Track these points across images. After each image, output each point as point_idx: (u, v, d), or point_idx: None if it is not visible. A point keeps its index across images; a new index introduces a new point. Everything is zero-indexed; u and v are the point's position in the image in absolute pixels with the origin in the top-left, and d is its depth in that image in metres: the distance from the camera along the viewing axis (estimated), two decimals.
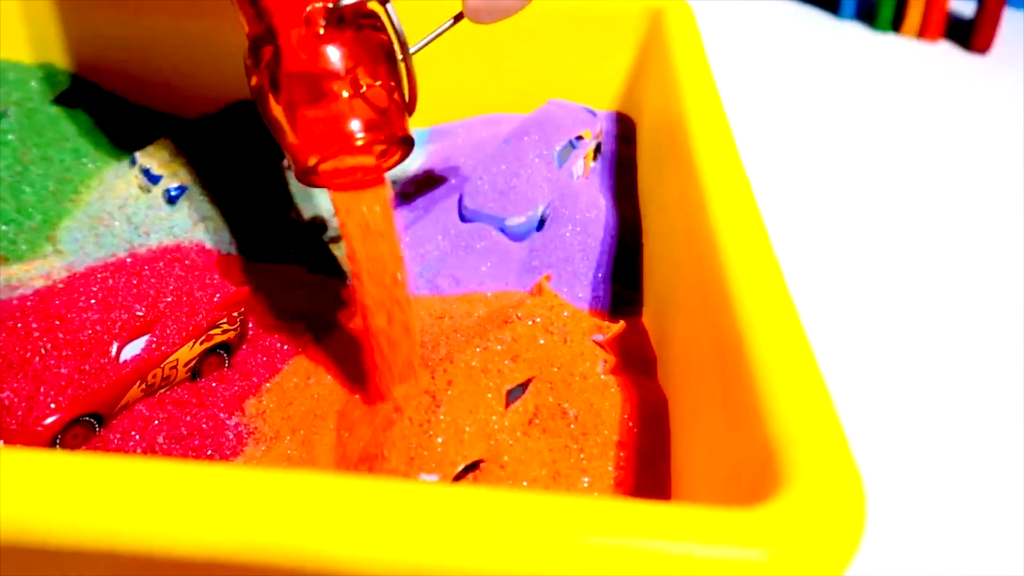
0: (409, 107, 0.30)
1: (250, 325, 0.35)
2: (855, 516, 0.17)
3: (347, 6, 0.27)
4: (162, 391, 0.32)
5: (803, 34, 0.78)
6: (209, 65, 0.50)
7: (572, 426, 0.29)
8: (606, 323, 0.34)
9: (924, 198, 0.54)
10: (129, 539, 0.18)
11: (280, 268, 0.39)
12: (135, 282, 0.31)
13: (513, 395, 0.30)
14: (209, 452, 0.29)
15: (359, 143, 0.27)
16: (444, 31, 0.31)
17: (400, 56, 0.29)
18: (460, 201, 0.42)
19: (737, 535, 0.17)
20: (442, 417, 0.28)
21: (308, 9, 0.27)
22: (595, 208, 0.41)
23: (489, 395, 0.29)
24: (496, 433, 0.28)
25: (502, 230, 0.41)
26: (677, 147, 0.34)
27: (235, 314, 0.33)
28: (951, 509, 0.34)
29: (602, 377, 0.31)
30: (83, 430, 0.29)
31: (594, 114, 0.47)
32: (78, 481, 0.18)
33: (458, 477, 0.27)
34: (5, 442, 0.27)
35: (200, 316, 0.32)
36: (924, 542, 0.32)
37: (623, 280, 0.39)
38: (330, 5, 0.27)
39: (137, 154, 0.42)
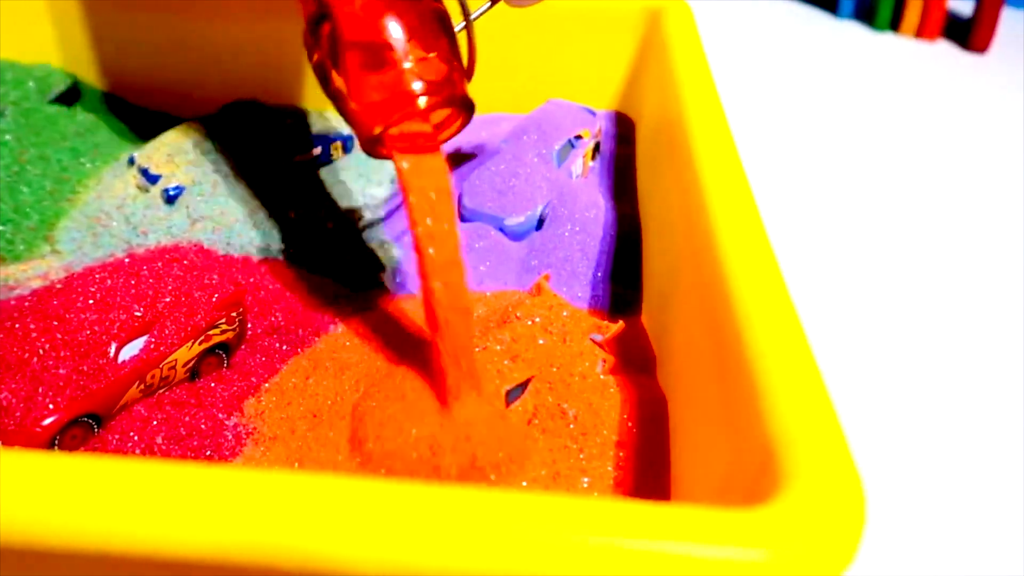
0: (468, 72, 0.30)
1: (249, 325, 0.35)
2: (855, 516, 0.17)
3: None
4: (161, 392, 0.32)
5: (802, 33, 0.78)
6: (207, 64, 0.50)
7: (571, 426, 0.29)
8: (605, 323, 0.34)
9: (923, 197, 0.54)
10: (128, 541, 0.18)
11: (280, 268, 0.39)
12: (133, 282, 0.31)
13: (512, 395, 0.30)
14: (208, 453, 0.29)
15: (421, 106, 0.28)
16: (483, 12, 0.32)
17: (462, 23, 0.30)
18: (459, 200, 0.42)
19: (737, 535, 0.17)
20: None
21: None
22: (594, 208, 0.41)
23: (488, 395, 0.29)
24: (496, 433, 0.28)
25: (501, 229, 0.41)
26: (676, 147, 0.34)
27: (234, 314, 0.33)
28: (951, 509, 0.34)
29: (601, 377, 0.31)
30: (82, 431, 0.29)
31: (593, 114, 0.47)
32: (77, 482, 0.18)
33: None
34: (3, 443, 0.27)
35: (199, 316, 0.32)
36: (924, 542, 0.32)
37: (622, 279, 0.39)
38: None
39: (135, 153, 0.42)
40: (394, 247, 0.41)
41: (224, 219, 0.39)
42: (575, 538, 0.17)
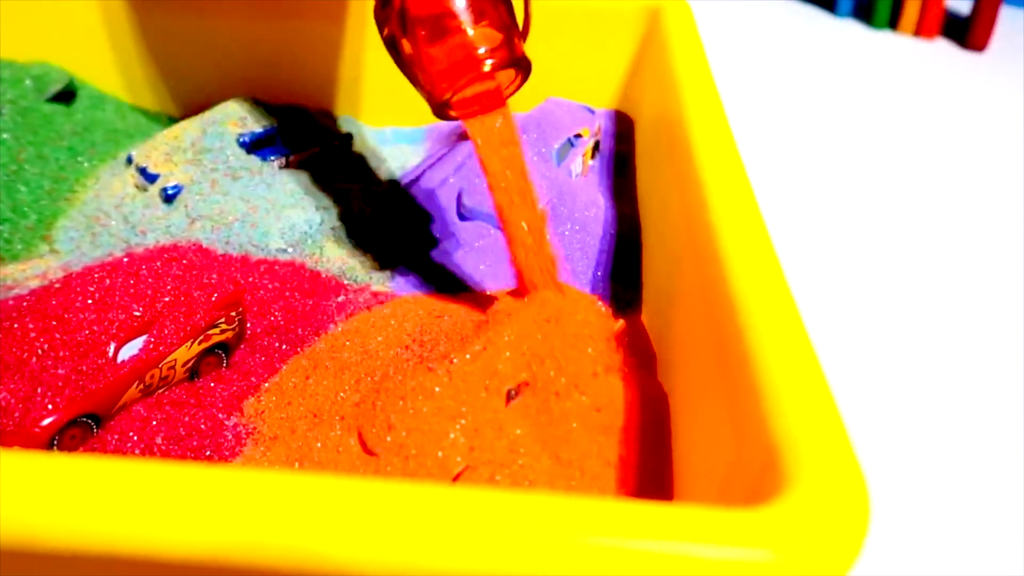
0: (524, 33, 0.33)
1: (248, 325, 0.35)
2: (859, 516, 0.17)
3: None
4: (160, 391, 0.31)
5: (800, 32, 0.78)
6: (206, 63, 0.50)
7: (575, 422, 0.29)
8: (605, 321, 0.34)
9: (921, 195, 0.54)
10: (128, 542, 0.17)
11: (280, 267, 0.38)
12: (132, 282, 0.31)
13: (512, 395, 0.30)
14: (208, 453, 0.29)
15: (487, 68, 0.30)
16: None
17: None
18: (458, 200, 0.42)
19: (741, 536, 0.17)
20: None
21: None
22: (594, 206, 0.41)
23: (488, 394, 0.29)
24: (496, 432, 0.28)
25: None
26: (676, 145, 0.34)
27: (233, 314, 0.33)
28: (954, 509, 0.34)
29: (601, 376, 0.31)
30: (81, 431, 0.29)
31: (592, 112, 0.47)
32: (76, 483, 0.18)
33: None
34: (3, 443, 0.27)
35: (198, 316, 0.32)
36: (927, 542, 0.32)
37: (622, 278, 0.39)
38: None
39: (133, 152, 0.42)
40: (394, 246, 0.41)
41: (223, 218, 0.39)
42: (578, 539, 0.17)
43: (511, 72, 0.32)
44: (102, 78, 0.50)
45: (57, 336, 0.29)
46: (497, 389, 0.29)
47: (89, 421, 0.29)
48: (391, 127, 0.51)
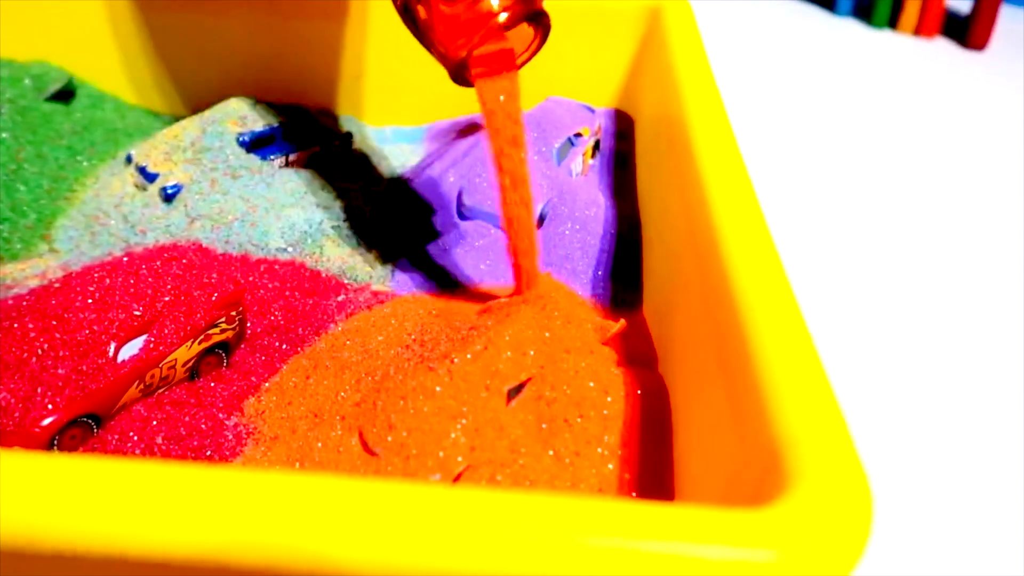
0: None
1: (248, 324, 0.35)
2: (862, 517, 0.17)
3: None
4: (160, 391, 0.31)
5: (799, 31, 0.78)
6: (205, 62, 0.50)
7: (577, 421, 0.29)
8: (607, 320, 0.34)
9: (921, 194, 0.54)
10: (128, 542, 0.17)
11: (280, 266, 0.38)
12: (132, 282, 0.31)
13: (513, 394, 0.30)
14: (208, 453, 0.29)
15: (501, 20, 0.30)
16: None
17: None
18: (459, 199, 0.42)
19: (744, 536, 0.17)
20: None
21: None
22: (594, 205, 0.41)
23: (489, 393, 0.29)
24: (497, 432, 0.28)
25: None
26: (676, 143, 0.34)
27: (233, 313, 0.33)
28: (956, 509, 0.34)
29: (603, 375, 0.31)
30: (81, 431, 0.29)
31: (592, 111, 0.47)
32: (76, 483, 0.18)
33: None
34: (3, 444, 0.27)
35: (198, 316, 0.32)
36: (930, 542, 0.32)
37: (623, 277, 0.39)
38: None
39: (132, 151, 0.42)
40: (394, 246, 0.41)
41: (222, 217, 0.39)
42: (580, 539, 0.17)
43: (529, 33, 0.32)
44: (101, 77, 0.50)
45: (57, 336, 0.29)
46: (498, 389, 0.29)
47: (89, 421, 0.29)
48: (391, 126, 0.51)
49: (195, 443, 0.29)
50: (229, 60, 0.50)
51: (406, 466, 0.27)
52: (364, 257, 0.40)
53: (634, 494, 0.27)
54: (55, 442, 0.28)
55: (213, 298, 0.32)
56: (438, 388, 0.29)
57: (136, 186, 0.41)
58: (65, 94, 0.48)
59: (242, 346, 0.34)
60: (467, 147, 0.47)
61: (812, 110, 0.64)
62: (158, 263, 0.33)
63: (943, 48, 0.75)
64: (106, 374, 0.29)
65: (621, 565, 0.17)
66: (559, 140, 0.43)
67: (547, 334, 0.32)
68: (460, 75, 0.32)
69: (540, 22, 0.32)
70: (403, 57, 0.49)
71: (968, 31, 0.74)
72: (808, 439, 0.19)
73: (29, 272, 0.37)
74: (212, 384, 0.32)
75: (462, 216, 0.42)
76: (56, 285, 0.31)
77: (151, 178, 0.40)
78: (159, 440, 0.29)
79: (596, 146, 0.47)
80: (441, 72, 0.53)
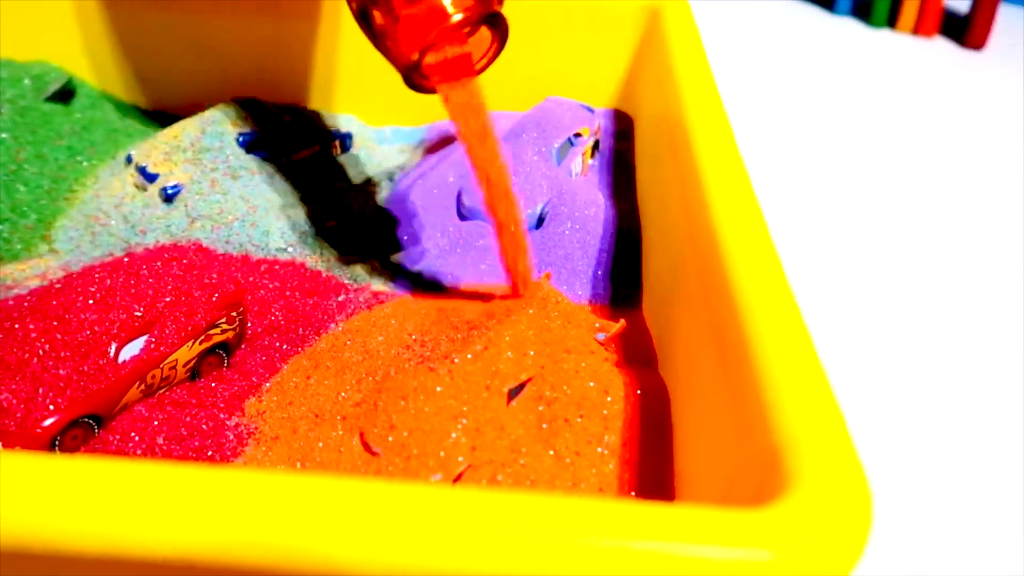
0: None
1: (249, 325, 0.35)
2: (862, 517, 0.17)
3: None
4: (161, 392, 0.31)
5: (798, 30, 0.78)
6: (206, 62, 0.50)
7: (577, 421, 0.29)
8: (606, 321, 0.34)
9: (920, 193, 0.54)
10: (130, 543, 0.17)
11: (281, 266, 0.38)
12: (133, 282, 0.31)
13: (514, 394, 0.30)
14: (209, 453, 0.29)
15: (455, 21, 0.29)
16: None
17: None
18: (458, 199, 0.42)
19: (743, 536, 0.17)
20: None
21: None
22: (594, 205, 0.41)
23: (489, 393, 0.29)
24: (498, 432, 0.28)
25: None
26: (676, 142, 0.34)
27: (234, 314, 0.33)
28: (956, 509, 0.34)
29: (603, 375, 0.31)
30: (82, 431, 0.29)
31: (592, 111, 0.47)
32: (78, 484, 0.18)
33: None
34: (4, 444, 0.27)
35: (199, 316, 0.32)
36: (929, 543, 0.32)
37: (622, 277, 0.39)
38: None
39: (133, 152, 0.42)
40: (395, 245, 0.41)
41: (223, 218, 0.39)
42: (580, 539, 0.17)
43: (486, 37, 0.31)
44: (101, 77, 0.50)
45: (58, 336, 0.29)
46: (498, 389, 0.29)
47: (91, 421, 0.29)
48: (391, 126, 0.51)
49: (196, 443, 0.29)
50: (229, 60, 0.50)
51: (407, 466, 0.27)
52: (364, 257, 0.40)
53: (634, 494, 0.27)
54: (56, 443, 0.28)
55: (214, 298, 0.33)
56: (439, 388, 0.29)
57: (136, 186, 0.41)
58: (65, 94, 0.48)
59: (243, 346, 0.34)
60: None
61: (811, 109, 0.64)
62: (159, 263, 0.33)
63: (942, 47, 0.75)
64: (107, 374, 0.29)
65: (621, 565, 0.17)
66: (559, 140, 0.43)
67: (547, 334, 0.32)
68: (412, 79, 0.31)
69: (498, 25, 0.31)
70: None
71: (967, 30, 0.74)
72: (808, 439, 0.19)
73: (29, 272, 0.37)
74: (213, 384, 0.32)
75: (462, 216, 0.42)
76: (57, 286, 0.31)
77: (151, 178, 0.40)
78: (160, 440, 0.29)
79: (596, 146, 0.47)
80: None
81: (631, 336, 0.35)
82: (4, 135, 0.42)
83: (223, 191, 0.40)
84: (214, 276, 0.33)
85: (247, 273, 0.37)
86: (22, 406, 0.28)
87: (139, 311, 0.31)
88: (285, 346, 0.34)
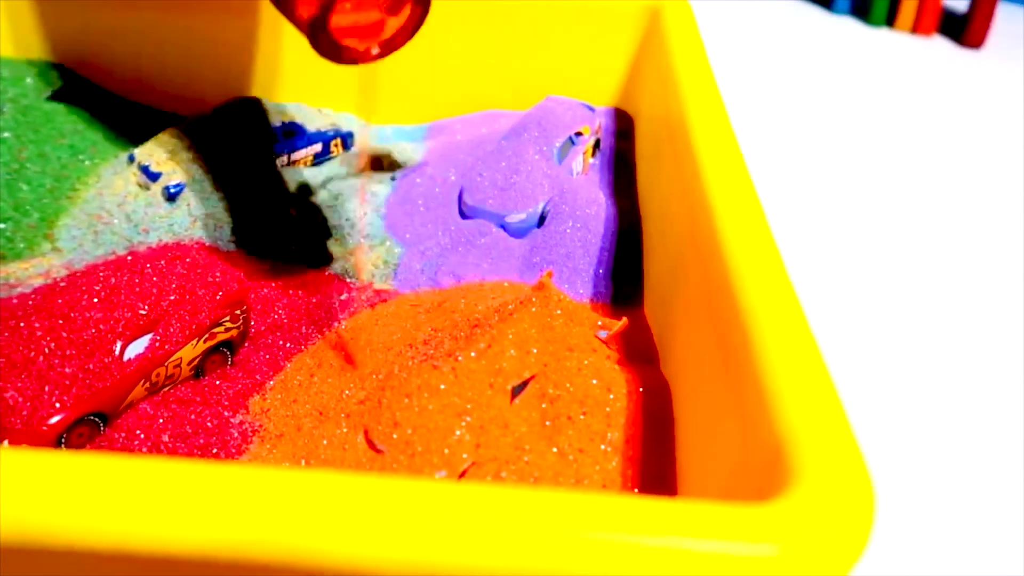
0: None
1: (252, 323, 0.35)
2: (864, 512, 0.17)
3: None
4: (166, 389, 0.32)
5: (797, 29, 0.78)
6: (207, 62, 0.50)
7: (580, 418, 0.29)
8: (608, 319, 0.35)
9: (919, 192, 0.54)
10: (136, 539, 0.18)
11: (281, 265, 0.39)
12: (137, 280, 0.31)
13: (517, 391, 0.30)
14: (214, 450, 0.29)
15: None
16: None
17: None
18: (460, 198, 0.42)
19: (747, 531, 0.17)
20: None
21: None
22: (595, 204, 0.41)
23: (493, 391, 0.29)
24: (501, 429, 0.29)
25: (502, 227, 0.41)
26: (677, 141, 0.34)
27: (237, 312, 0.33)
28: (958, 506, 0.34)
29: (605, 373, 0.31)
30: (88, 429, 0.29)
31: (593, 110, 0.47)
32: (84, 481, 0.18)
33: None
34: (10, 442, 0.27)
35: (203, 314, 0.32)
36: (931, 539, 0.32)
37: (624, 275, 0.39)
38: None
39: (135, 151, 0.42)
40: (396, 244, 0.41)
41: (225, 216, 0.39)
42: (584, 535, 0.17)
43: (406, 8, 0.30)
44: (103, 77, 0.50)
45: (64, 334, 0.29)
46: (502, 386, 0.30)
47: (96, 419, 0.29)
48: (392, 125, 0.51)
49: (201, 441, 0.29)
50: (230, 60, 0.50)
51: (411, 463, 0.28)
52: (367, 255, 0.40)
53: (637, 490, 0.27)
54: (63, 440, 0.28)
55: (217, 297, 0.33)
56: (442, 386, 0.29)
57: (139, 185, 0.41)
58: (67, 93, 0.48)
59: (246, 344, 0.34)
60: (468, 146, 0.47)
61: (810, 108, 0.64)
62: (162, 262, 0.33)
63: (940, 46, 0.75)
64: (112, 372, 0.29)
65: (625, 560, 0.17)
66: (560, 139, 0.43)
67: (550, 332, 0.32)
68: (322, 45, 0.29)
69: None
70: (404, 57, 0.49)
71: (965, 29, 0.74)
72: (810, 435, 0.19)
73: (33, 271, 0.37)
74: (217, 382, 0.32)
75: (463, 215, 0.42)
76: (62, 284, 0.31)
77: (154, 177, 0.41)
78: (165, 438, 0.29)
79: (597, 145, 0.47)
80: (442, 70, 0.53)
81: (633, 334, 0.35)
82: (7, 134, 0.42)
83: (225, 190, 0.40)
84: (217, 275, 0.33)
85: (250, 272, 0.37)
86: (28, 404, 0.28)
87: (143, 309, 0.31)
88: (288, 344, 0.34)
